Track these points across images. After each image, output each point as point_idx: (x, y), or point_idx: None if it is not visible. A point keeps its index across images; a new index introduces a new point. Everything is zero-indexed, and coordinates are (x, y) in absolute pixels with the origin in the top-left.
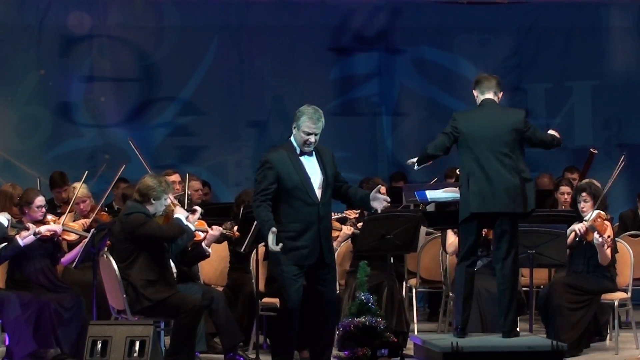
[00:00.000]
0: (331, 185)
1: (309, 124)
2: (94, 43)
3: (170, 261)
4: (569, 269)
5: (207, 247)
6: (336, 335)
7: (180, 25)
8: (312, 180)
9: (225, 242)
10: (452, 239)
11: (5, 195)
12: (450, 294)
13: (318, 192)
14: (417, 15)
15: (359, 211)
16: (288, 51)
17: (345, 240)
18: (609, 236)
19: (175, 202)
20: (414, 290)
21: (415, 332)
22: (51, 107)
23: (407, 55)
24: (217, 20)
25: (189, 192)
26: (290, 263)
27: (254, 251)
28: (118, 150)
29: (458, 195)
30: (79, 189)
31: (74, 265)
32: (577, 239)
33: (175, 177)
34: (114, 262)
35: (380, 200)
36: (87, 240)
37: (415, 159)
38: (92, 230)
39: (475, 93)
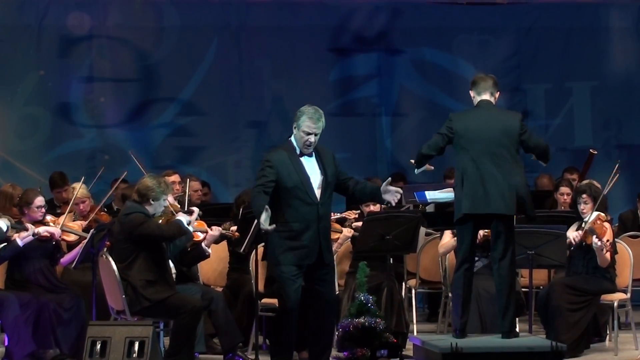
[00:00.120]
0: (331, 185)
1: (309, 123)
2: (93, 43)
3: (170, 262)
4: (569, 270)
5: (206, 248)
6: (335, 336)
7: (180, 25)
8: (312, 180)
9: (225, 243)
10: (446, 239)
11: (5, 195)
12: (450, 295)
13: (317, 192)
14: (417, 15)
15: (358, 212)
16: (288, 51)
17: (344, 242)
18: (607, 240)
19: (177, 207)
20: (413, 291)
21: (415, 333)
22: (51, 108)
23: (407, 56)
24: (217, 20)
25: (189, 193)
26: (289, 263)
27: (254, 252)
28: (118, 151)
29: None
30: (79, 189)
31: (73, 265)
32: (572, 248)
33: (175, 178)
34: (113, 263)
35: (392, 193)
36: (86, 240)
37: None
38: (92, 230)
39: (472, 94)
